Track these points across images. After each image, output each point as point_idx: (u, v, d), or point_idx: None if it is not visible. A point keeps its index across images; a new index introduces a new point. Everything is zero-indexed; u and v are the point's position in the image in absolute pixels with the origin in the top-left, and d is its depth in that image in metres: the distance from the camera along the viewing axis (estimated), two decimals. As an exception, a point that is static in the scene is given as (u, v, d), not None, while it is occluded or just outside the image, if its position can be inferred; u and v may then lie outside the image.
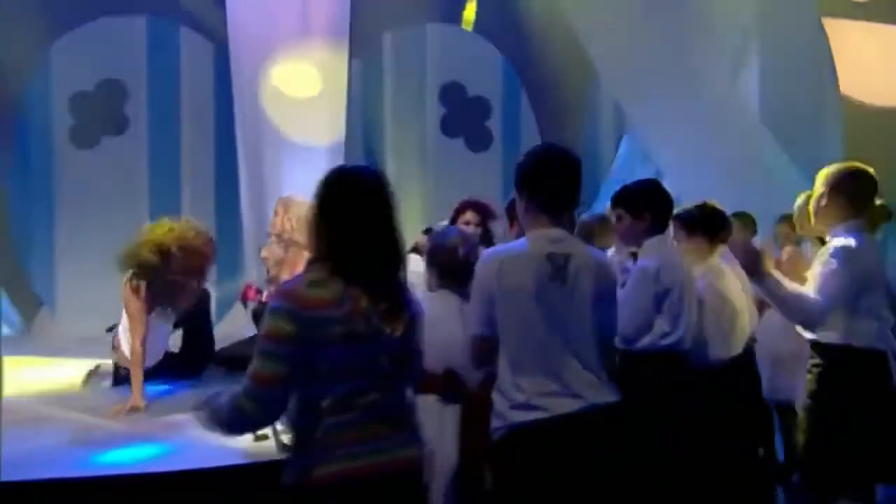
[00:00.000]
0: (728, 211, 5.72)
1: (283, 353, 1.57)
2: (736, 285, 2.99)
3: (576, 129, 7.68)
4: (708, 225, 3.04)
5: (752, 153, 6.15)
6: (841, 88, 6.81)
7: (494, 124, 7.75)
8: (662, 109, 6.17)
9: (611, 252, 3.21)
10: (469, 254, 2.48)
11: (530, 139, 7.69)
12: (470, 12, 6.25)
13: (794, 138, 6.26)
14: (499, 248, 2.20)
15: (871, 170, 2.61)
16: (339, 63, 6.20)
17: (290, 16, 5.90)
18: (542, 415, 1.96)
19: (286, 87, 6.03)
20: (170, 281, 3.42)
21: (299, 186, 6.43)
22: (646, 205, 2.74)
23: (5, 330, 6.41)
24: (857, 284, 2.44)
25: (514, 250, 2.09)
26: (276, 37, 5.92)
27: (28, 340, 6.29)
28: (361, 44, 7.53)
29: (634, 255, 2.77)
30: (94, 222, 6.57)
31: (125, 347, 3.53)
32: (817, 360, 2.52)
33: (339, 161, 6.80)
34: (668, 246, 2.80)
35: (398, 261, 1.70)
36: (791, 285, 2.44)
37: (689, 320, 2.68)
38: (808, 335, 2.51)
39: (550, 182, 2.07)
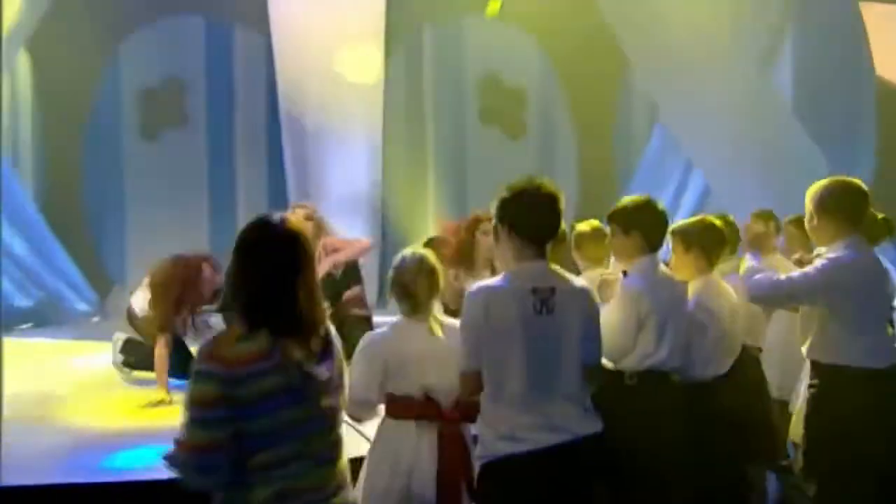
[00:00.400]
0: (756, 206, 5.80)
1: (215, 418, 1.51)
2: (730, 304, 2.95)
3: (609, 116, 7.89)
4: (705, 240, 2.94)
5: (785, 146, 6.20)
6: (878, 72, 6.88)
7: (529, 113, 8.03)
8: (694, 102, 6.26)
9: (612, 263, 3.13)
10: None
11: (564, 127, 7.97)
12: (495, 4, 6.49)
13: (827, 131, 6.31)
14: (485, 283, 2.21)
15: (858, 182, 2.56)
16: (374, 57, 6.59)
17: (328, 12, 6.31)
18: (525, 447, 2.00)
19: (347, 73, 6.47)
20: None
21: (340, 175, 6.95)
22: (636, 223, 2.68)
23: (83, 306, 7.11)
24: (842, 299, 2.42)
25: (500, 285, 2.12)
26: (316, 33, 6.35)
27: (103, 317, 6.96)
28: (403, 37, 7.95)
29: (625, 274, 2.74)
30: (160, 206, 7.23)
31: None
32: (815, 381, 2.51)
33: (377, 151, 7.23)
34: (655, 267, 2.73)
35: (320, 306, 1.70)
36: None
37: (675, 342, 2.65)
38: (806, 352, 2.53)
39: (533, 217, 2.12)
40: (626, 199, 2.80)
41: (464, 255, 3.91)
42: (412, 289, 2.41)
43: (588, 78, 7.66)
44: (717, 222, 3.01)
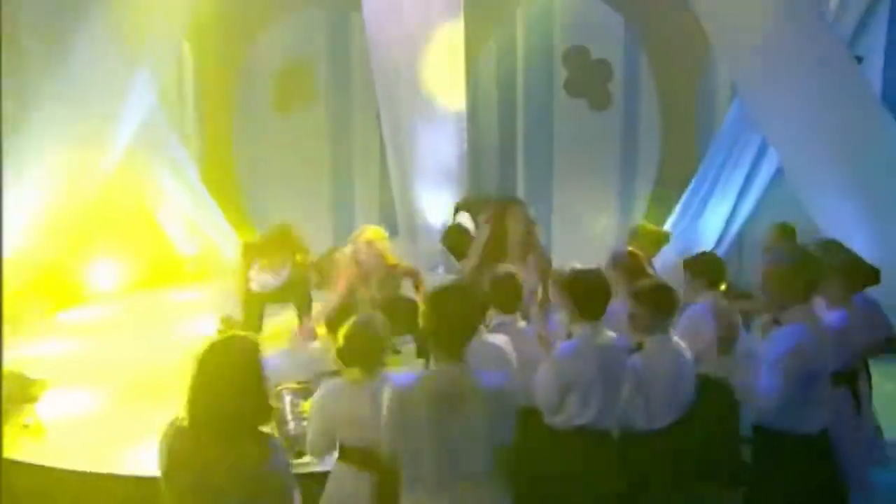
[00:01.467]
0: (829, 193, 5.84)
1: None
2: (677, 362, 3.06)
3: (692, 87, 8.15)
4: (651, 302, 3.10)
5: (868, 134, 6.04)
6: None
7: (615, 85, 8.48)
8: (775, 81, 6.19)
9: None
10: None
11: (649, 99, 8.38)
12: None
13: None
14: (401, 381, 2.37)
15: (809, 259, 2.72)
16: (457, 32, 7.28)
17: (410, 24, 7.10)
18: None
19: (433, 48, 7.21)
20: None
21: (429, 147, 7.84)
22: (569, 294, 2.96)
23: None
24: (794, 380, 2.56)
25: (413, 384, 2.31)
26: (401, 19, 7.16)
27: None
28: (497, 11, 8.66)
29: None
30: (291, 169, 8.67)
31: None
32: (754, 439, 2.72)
33: (463, 125, 8.01)
34: (595, 334, 2.88)
35: (267, 417, 2.08)
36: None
37: (605, 403, 2.82)
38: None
39: (446, 323, 2.30)
40: (578, 267, 3.12)
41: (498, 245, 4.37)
42: (362, 355, 2.66)
43: (673, 52, 7.94)
44: (669, 290, 3.15)
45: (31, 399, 3.83)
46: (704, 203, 7.73)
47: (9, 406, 3.46)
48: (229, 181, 9.02)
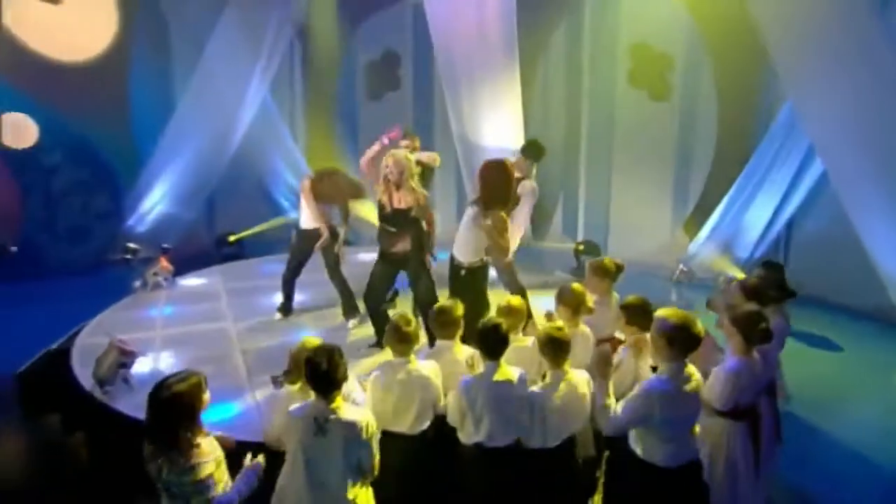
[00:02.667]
0: (874, 205, 5.97)
1: None
2: (574, 395, 3.50)
3: (751, 82, 8.17)
4: (548, 349, 3.53)
5: None
6: None
7: (675, 77, 8.70)
8: (827, 88, 6.24)
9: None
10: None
11: (708, 91, 8.55)
12: None
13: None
14: (296, 411, 3.04)
15: (692, 325, 3.05)
16: (510, 27, 7.83)
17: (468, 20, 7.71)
18: None
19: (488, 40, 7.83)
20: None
21: (489, 133, 8.55)
22: (474, 339, 3.63)
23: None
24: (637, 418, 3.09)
25: (298, 413, 3.02)
26: (458, 18, 7.82)
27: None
28: (566, 7, 9.15)
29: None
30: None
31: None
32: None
33: (518, 114, 8.55)
34: (493, 373, 3.43)
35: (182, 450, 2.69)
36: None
37: (495, 427, 3.36)
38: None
39: (314, 370, 2.99)
40: (482, 321, 3.54)
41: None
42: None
43: (733, 47, 7.97)
44: (560, 334, 3.47)
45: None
46: (749, 201, 7.93)
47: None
48: (330, 160, 10.48)
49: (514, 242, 5.53)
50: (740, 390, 3.37)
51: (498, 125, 8.35)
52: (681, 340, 3.07)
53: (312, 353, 3.02)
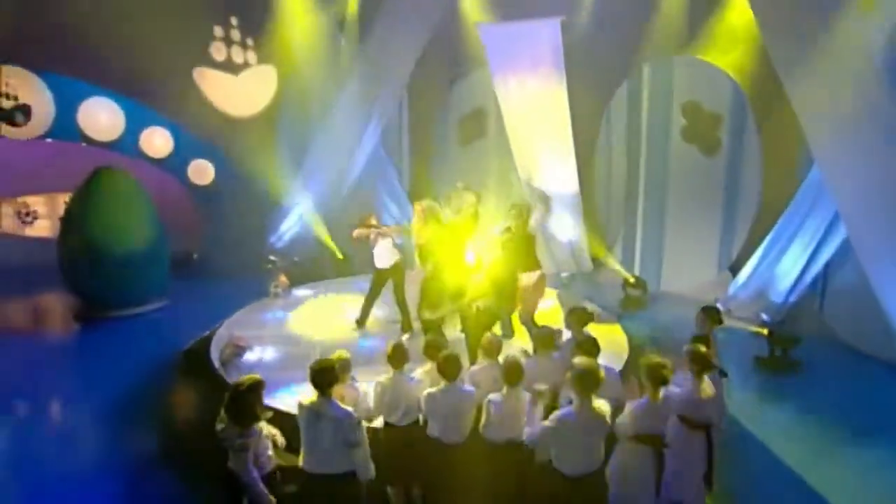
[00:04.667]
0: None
1: None
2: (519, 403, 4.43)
3: (792, 139, 8.89)
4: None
5: None
6: None
7: (724, 134, 9.69)
8: (850, 156, 6.75)
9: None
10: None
11: (752, 147, 9.45)
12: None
13: None
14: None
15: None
16: (559, 88, 8.92)
17: (524, 45, 8.85)
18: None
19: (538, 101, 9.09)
20: None
21: (551, 180, 9.83)
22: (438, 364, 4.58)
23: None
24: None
25: (303, 402, 4.12)
26: (516, 81, 9.13)
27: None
28: (629, 71, 10.39)
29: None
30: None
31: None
32: None
33: (573, 167, 9.73)
34: (444, 388, 4.46)
35: None
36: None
37: (444, 424, 4.43)
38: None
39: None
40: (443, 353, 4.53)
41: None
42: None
43: (775, 107, 8.87)
44: (517, 363, 4.45)
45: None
46: (783, 250, 8.73)
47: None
48: (427, 194, 12.37)
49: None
50: (641, 421, 4.25)
51: (554, 171, 9.68)
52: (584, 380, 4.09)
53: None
